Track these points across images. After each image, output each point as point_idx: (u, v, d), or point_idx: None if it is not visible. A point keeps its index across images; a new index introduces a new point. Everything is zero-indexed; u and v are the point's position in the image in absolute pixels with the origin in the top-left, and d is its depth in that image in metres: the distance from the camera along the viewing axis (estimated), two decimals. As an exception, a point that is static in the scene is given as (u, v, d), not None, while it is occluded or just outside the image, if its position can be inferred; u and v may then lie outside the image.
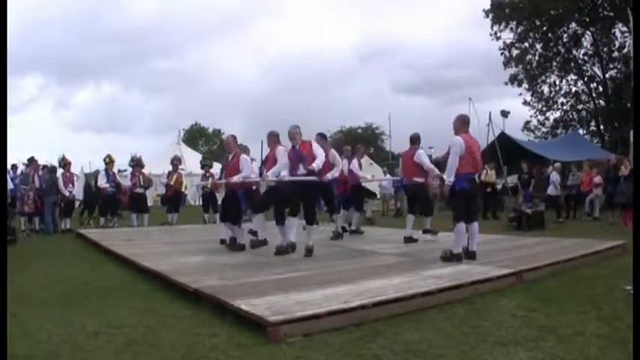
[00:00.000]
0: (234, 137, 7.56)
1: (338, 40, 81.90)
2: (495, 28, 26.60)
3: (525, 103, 28.00)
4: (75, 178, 13.04)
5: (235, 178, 7.04)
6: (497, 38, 26.84)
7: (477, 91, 61.66)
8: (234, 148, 7.41)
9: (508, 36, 26.76)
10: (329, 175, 7.15)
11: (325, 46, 79.66)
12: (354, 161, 9.16)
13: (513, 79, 27.55)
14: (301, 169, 6.55)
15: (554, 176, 13.59)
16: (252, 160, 8.44)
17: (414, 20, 79.98)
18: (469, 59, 59.04)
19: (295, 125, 6.85)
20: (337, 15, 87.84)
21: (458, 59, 60.69)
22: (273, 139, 7.32)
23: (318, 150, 6.69)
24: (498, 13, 26.22)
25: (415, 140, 8.09)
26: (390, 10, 78.64)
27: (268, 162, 7.23)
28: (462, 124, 6.07)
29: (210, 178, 11.85)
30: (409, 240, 7.97)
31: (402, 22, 78.96)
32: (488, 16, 26.63)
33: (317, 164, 6.51)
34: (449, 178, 5.80)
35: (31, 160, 11.88)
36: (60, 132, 68.16)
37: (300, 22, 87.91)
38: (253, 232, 7.08)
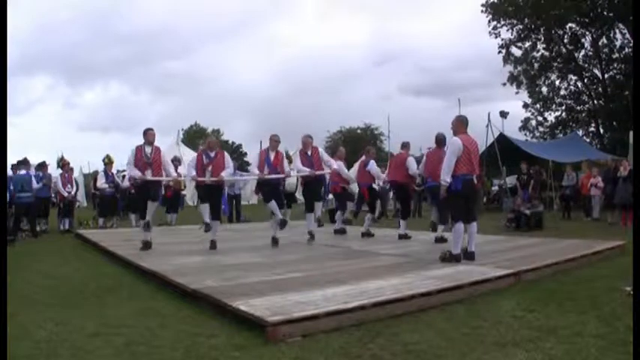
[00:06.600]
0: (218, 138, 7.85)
1: (347, 43, 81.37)
2: (494, 23, 26.56)
3: (525, 105, 28.03)
4: (73, 179, 12.99)
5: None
6: (496, 35, 26.87)
7: (485, 93, 61.75)
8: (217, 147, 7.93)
9: (507, 35, 26.80)
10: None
11: (334, 49, 79.41)
12: (372, 162, 9.27)
13: (512, 80, 27.53)
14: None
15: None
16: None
17: (424, 23, 79.94)
18: (479, 61, 58.58)
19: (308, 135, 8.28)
20: (347, 17, 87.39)
21: (468, 61, 60.37)
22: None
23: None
24: (498, 7, 26.12)
25: (443, 141, 7.81)
26: (399, 12, 78.60)
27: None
28: (460, 124, 6.10)
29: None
30: (440, 240, 7.74)
31: (412, 24, 78.67)
32: (487, 10, 26.54)
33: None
34: (445, 178, 5.83)
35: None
36: (66, 131, 68.19)
37: (309, 25, 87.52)
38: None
